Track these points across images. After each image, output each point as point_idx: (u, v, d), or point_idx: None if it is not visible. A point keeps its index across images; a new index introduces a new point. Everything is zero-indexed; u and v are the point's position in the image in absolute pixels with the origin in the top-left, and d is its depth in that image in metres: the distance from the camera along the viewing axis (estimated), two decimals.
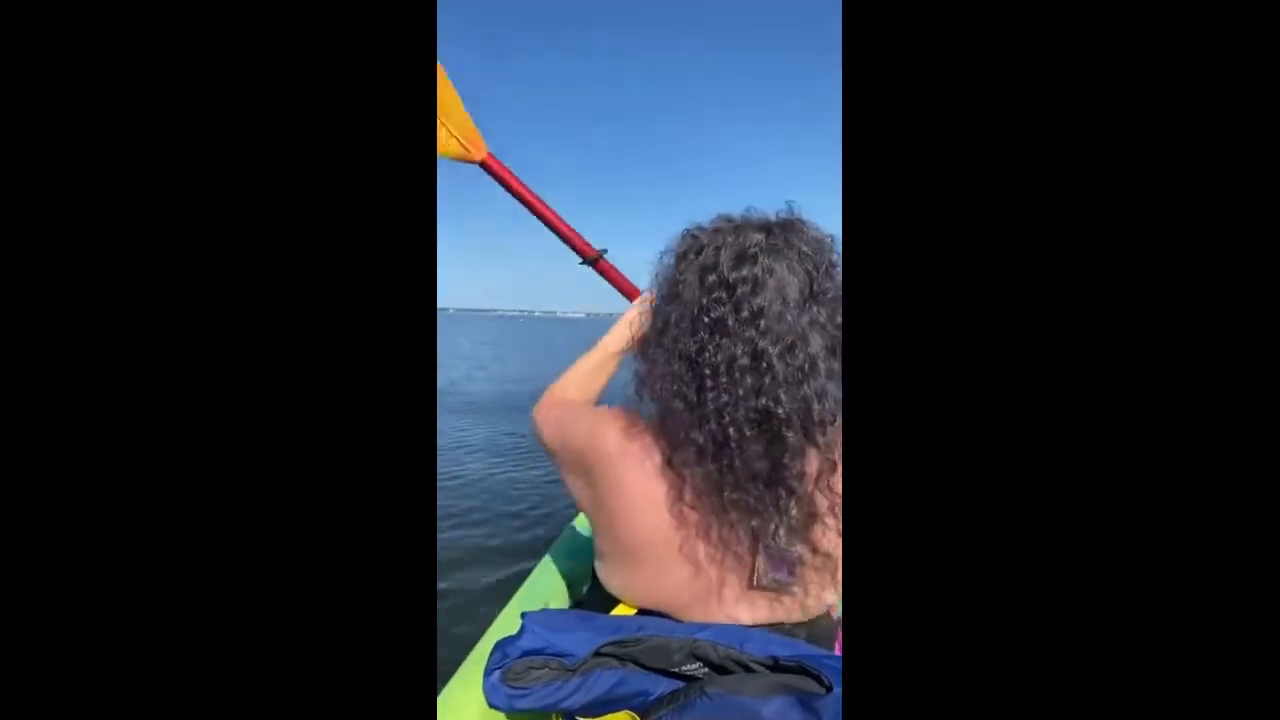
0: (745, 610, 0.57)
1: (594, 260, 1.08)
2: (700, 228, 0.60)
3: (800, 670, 0.49)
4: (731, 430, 0.52)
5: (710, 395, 0.53)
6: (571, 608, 1.09)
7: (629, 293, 1.05)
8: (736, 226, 0.58)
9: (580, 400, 0.73)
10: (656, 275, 0.62)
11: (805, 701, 0.47)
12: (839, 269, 0.58)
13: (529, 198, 1.08)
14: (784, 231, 0.57)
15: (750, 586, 0.56)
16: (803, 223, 0.58)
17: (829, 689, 0.47)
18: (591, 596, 0.67)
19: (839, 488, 0.55)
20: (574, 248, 1.10)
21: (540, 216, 1.09)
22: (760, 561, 0.54)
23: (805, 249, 0.56)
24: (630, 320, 0.79)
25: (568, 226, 1.09)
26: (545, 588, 1.06)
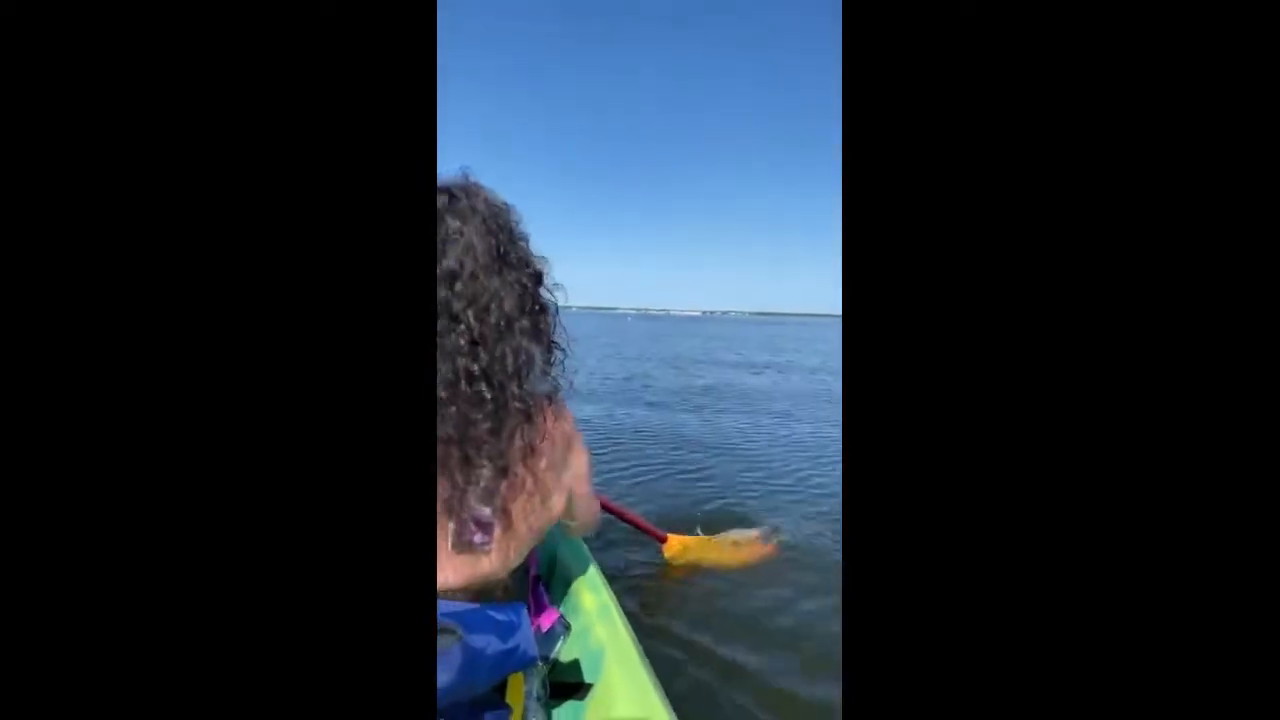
0: (449, 573, 0.58)
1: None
2: None
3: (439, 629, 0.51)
4: None
5: None
6: None
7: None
8: None
9: None
10: None
11: (440, 654, 0.49)
12: (525, 240, 0.59)
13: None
14: (465, 194, 0.57)
15: (450, 550, 0.57)
16: (480, 187, 0.59)
17: (460, 638, 0.50)
18: None
19: (536, 442, 0.56)
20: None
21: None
22: (452, 526, 0.55)
23: (487, 213, 0.57)
24: None
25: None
26: None
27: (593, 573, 0.93)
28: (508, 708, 0.56)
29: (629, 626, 0.79)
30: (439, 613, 0.52)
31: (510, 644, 0.51)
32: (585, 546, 1.01)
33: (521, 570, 0.66)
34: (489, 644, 0.50)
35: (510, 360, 0.55)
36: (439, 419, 0.53)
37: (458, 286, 0.54)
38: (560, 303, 0.63)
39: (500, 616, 0.53)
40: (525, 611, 0.55)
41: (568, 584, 0.94)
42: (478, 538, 0.56)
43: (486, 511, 0.55)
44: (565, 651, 0.70)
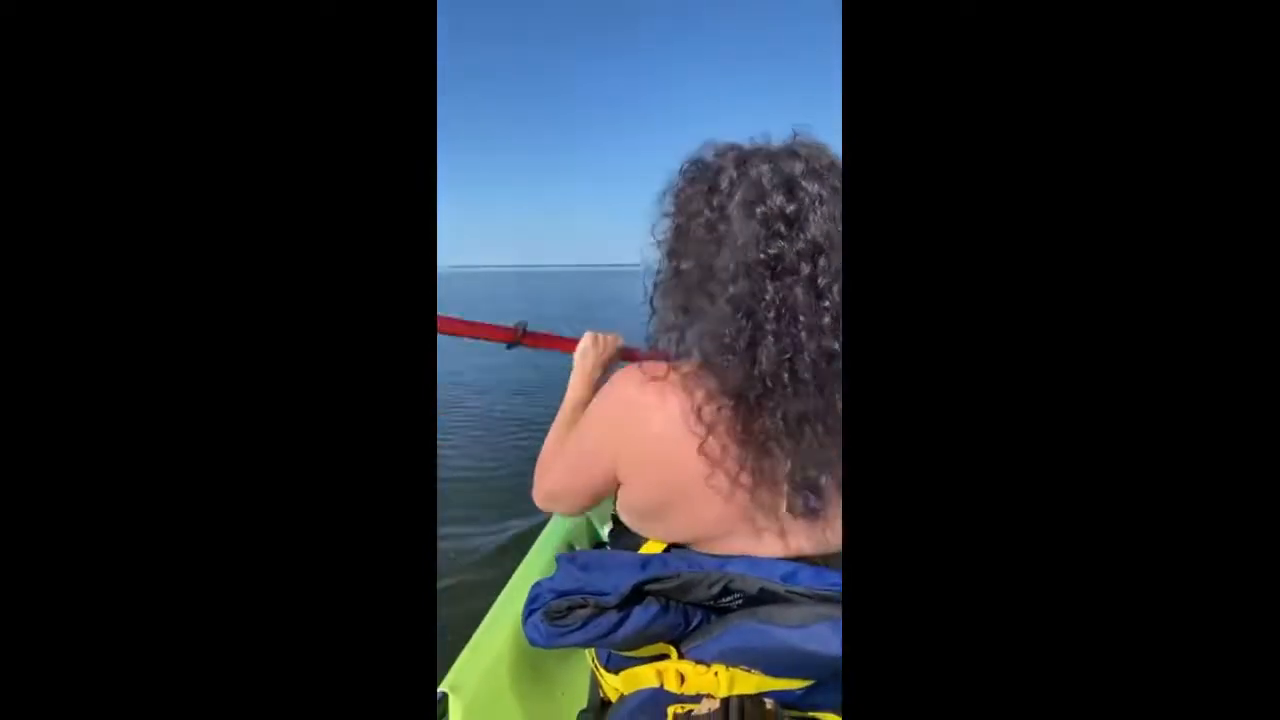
0: (775, 542, 0.56)
1: (519, 338, 1.00)
2: (707, 162, 0.55)
3: (838, 599, 0.50)
4: (786, 376, 0.49)
5: (770, 341, 0.49)
6: (594, 548, 1.13)
7: (565, 348, 0.96)
8: (769, 154, 0.53)
9: (560, 467, 0.67)
10: (673, 216, 0.57)
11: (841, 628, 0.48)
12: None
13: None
14: (815, 155, 0.52)
15: (781, 516, 0.55)
16: (824, 145, 0.54)
17: None
18: (614, 536, 0.68)
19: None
20: (493, 338, 1.00)
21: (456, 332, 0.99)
22: (789, 492, 0.53)
23: (834, 174, 0.51)
24: (584, 358, 0.79)
25: (480, 327, 1.00)
26: (565, 531, 1.09)
27: None
28: None
29: None
30: (830, 582, 0.51)
31: None
32: None
33: None
34: None
35: None
36: (800, 396, 0.49)
37: (821, 262, 0.49)
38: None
39: None
40: None
41: None
42: (813, 501, 0.53)
43: (822, 478, 0.52)
44: None
